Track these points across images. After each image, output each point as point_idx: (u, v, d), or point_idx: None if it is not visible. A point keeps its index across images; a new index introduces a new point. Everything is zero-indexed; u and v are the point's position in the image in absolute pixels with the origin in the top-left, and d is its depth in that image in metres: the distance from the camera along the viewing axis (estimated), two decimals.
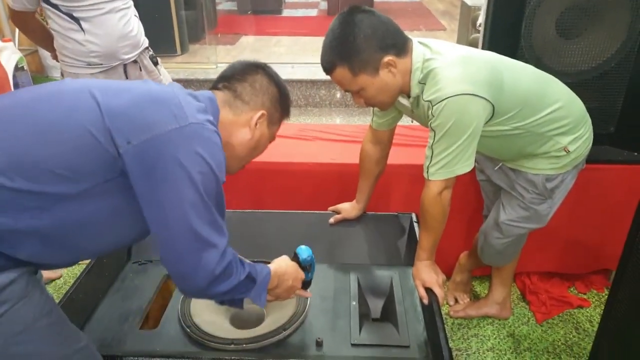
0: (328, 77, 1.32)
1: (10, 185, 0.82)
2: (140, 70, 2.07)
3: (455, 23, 5.75)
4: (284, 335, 1.21)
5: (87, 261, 1.41)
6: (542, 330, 1.87)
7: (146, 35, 2.10)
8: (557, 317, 1.92)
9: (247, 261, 1.05)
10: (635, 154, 1.80)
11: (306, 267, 1.23)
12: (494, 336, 1.84)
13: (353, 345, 1.20)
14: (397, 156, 1.72)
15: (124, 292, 1.40)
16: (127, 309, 1.32)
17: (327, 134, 2.18)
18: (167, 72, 2.26)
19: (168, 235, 0.89)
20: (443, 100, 1.23)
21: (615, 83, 1.70)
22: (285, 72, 4.04)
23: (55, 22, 1.86)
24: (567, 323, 1.90)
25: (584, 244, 1.96)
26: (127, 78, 2.01)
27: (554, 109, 1.39)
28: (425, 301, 1.30)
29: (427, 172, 1.32)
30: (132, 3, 2.01)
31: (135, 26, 2.00)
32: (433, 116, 1.26)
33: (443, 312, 1.53)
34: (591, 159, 1.56)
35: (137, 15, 2.06)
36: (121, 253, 1.54)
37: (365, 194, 1.67)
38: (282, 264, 1.17)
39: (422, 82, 1.30)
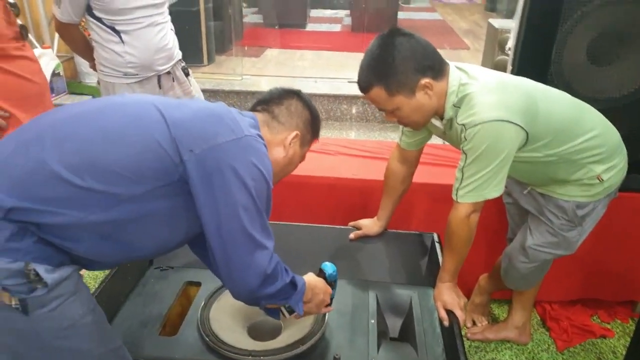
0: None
1: (81, 183, 0.88)
2: (173, 81, 2.12)
3: (479, 42, 5.76)
4: (301, 349, 1.20)
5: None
6: (562, 358, 1.83)
7: None
8: (579, 346, 1.87)
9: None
10: None
11: (331, 283, 1.24)
12: None
13: None
14: (421, 175, 1.71)
15: (145, 297, 1.42)
16: (148, 315, 1.34)
17: (349, 149, 2.19)
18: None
19: (221, 236, 0.96)
20: (477, 125, 1.24)
21: None
22: (308, 87, 4.07)
23: (97, 34, 1.94)
24: (590, 353, 1.86)
25: (609, 274, 1.91)
26: (160, 88, 2.07)
27: (589, 137, 1.38)
28: (446, 323, 1.28)
29: (457, 194, 1.32)
30: (169, 18, 2.08)
31: (171, 39, 2.07)
32: (466, 139, 1.27)
33: None
34: (621, 186, 1.53)
35: (173, 29, 2.13)
36: None
37: (388, 211, 1.67)
38: (311, 279, 1.20)
39: (457, 106, 1.31)
